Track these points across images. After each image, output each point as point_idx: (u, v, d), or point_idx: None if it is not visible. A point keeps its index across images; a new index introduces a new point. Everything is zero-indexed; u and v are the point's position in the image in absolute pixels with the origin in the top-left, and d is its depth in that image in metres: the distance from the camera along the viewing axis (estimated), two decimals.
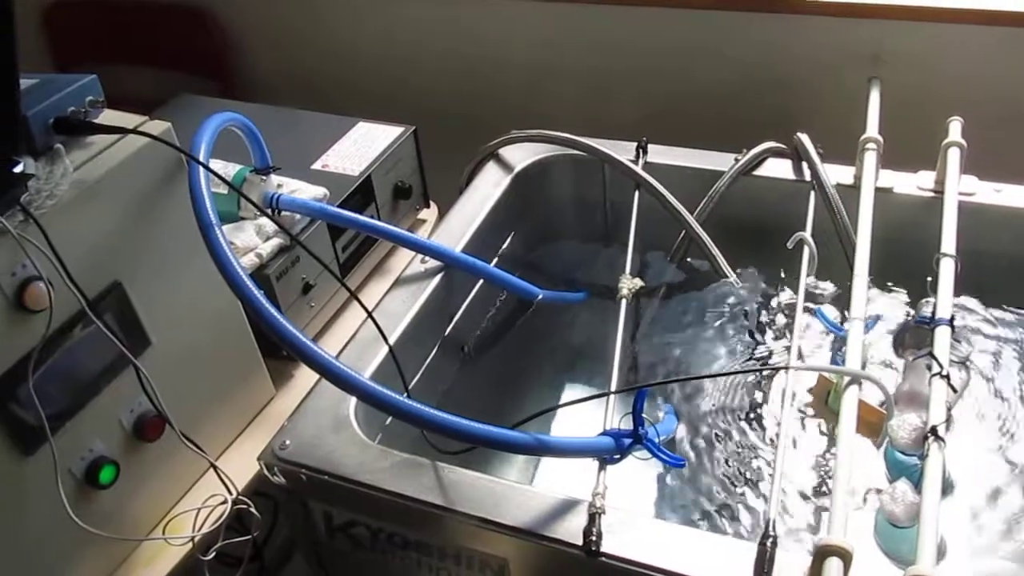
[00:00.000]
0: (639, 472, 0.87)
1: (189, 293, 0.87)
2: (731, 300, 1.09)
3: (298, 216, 1.01)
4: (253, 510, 0.84)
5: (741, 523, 0.87)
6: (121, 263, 0.79)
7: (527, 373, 1.11)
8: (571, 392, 1.07)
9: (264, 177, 0.99)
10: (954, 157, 1.01)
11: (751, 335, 1.06)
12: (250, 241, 0.98)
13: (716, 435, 0.94)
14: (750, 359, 1.03)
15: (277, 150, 1.01)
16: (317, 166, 1.14)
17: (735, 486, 0.90)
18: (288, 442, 0.82)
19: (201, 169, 0.79)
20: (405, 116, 1.23)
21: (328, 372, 0.69)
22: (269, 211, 0.98)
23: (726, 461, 0.92)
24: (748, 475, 0.90)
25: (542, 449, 0.73)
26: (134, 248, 0.80)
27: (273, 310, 0.71)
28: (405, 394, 0.82)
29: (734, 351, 1.05)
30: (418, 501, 0.75)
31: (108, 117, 0.79)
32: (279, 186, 1.02)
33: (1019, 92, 1.23)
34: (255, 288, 0.72)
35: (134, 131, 0.78)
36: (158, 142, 0.79)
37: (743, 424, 0.95)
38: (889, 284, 1.07)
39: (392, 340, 0.92)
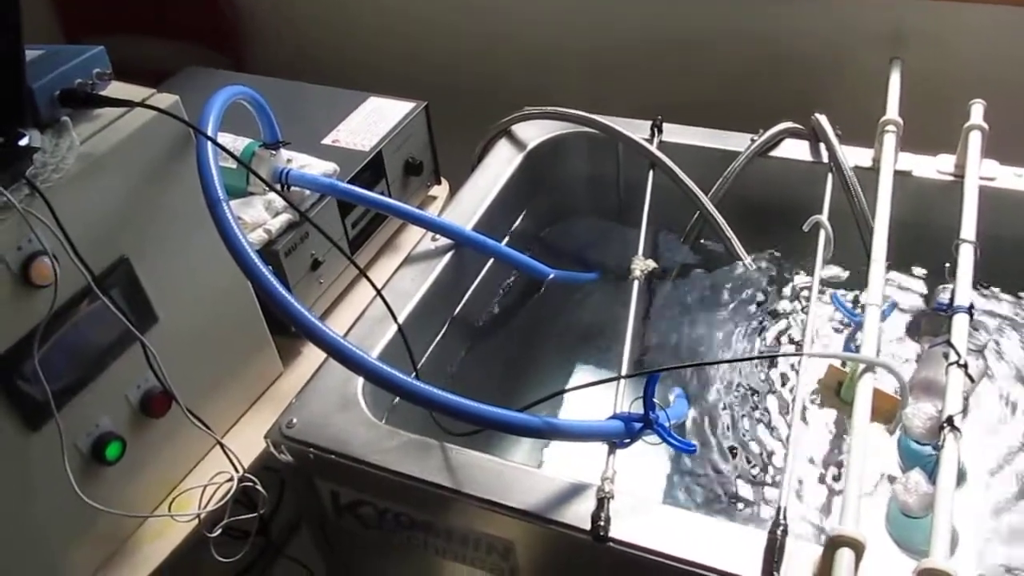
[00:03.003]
0: (649, 457, 0.86)
1: (197, 269, 0.86)
2: (745, 283, 1.07)
3: (307, 192, 1.00)
4: (259, 487, 0.84)
5: (752, 511, 0.86)
6: (128, 238, 0.78)
7: (537, 354, 1.09)
8: (581, 374, 1.05)
9: (274, 152, 0.98)
10: (975, 140, 0.99)
11: (764, 318, 1.04)
12: (259, 216, 0.97)
13: (728, 421, 0.93)
14: (763, 344, 1.02)
15: (287, 125, 1.00)
16: (327, 141, 1.13)
17: (746, 473, 0.89)
18: (295, 420, 0.81)
19: (209, 143, 0.78)
20: (418, 93, 1.22)
21: (335, 351, 0.68)
22: (278, 186, 0.97)
23: (737, 448, 0.91)
24: (760, 462, 0.89)
25: (551, 432, 0.72)
26: (141, 223, 0.80)
27: (279, 286, 0.70)
28: (414, 374, 0.82)
29: (747, 335, 1.03)
30: (425, 482, 0.75)
31: (115, 90, 0.78)
32: (289, 161, 1.00)
33: None
34: (262, 264, 0.71)
35: (142, 104, 0.77)
36: (166, 115, 0.78)
37: (755, 411, 0.94)
38: (907, 270, 1.06)
39: (401, 319, 0.90)
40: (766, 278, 1.07)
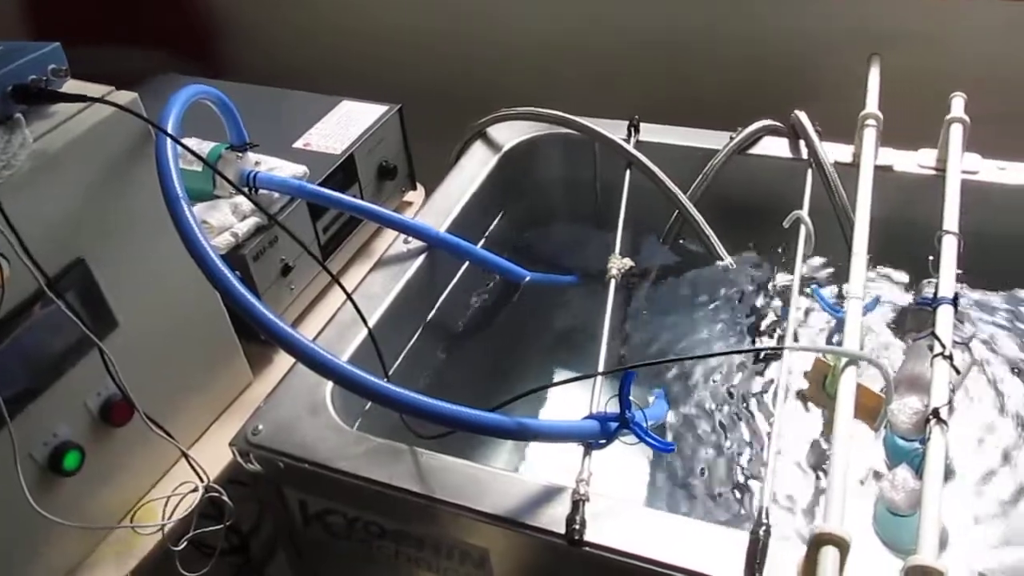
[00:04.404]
0: (629, 458, 0.84)
1: (159, 272, 0.83)
2: (726, 282, 1.05)
3: (276, 195, 0.98)
4: (225, 498, 0.81)
5: (735, 511, 0.83)
6: (85, 239, 0.75)
7: (516, 358, 1.07)
8: (561, 376, 1.02)
9: (240, 154, 0.96)
10: (956, 133, 0.98)
11: (746, 318, 1.02)
12: (225, 220, 0.94)
13: (709, 421, 0.91)
14: (745, 342, 0.99)
15: (258, 129, 0.98)
16: (298, 145, 1.10)
17: (729, 473, 0.86)
18: (261, 427, 0.79)
19: (169, 141, 0.76)
20: (396, 98, 1.19)
21: (293, 348, 0.65)
22: (246, 189, 0.95)
23: (720, 447, 0.88)
24: (742, 462, 0.87)
25: (524, 433, 0.70)
26: (99, 224, 0.77)
27: (238, 283, 0.67)
28: (385, 378, 0.79)
29: (728, 334, 1.01)
30: (394, 488, 0.72)
31: (73, 87, 0.75)
32: (257, 164, 0.98)
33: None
34: (220, 261, 0.69)
35: (99, 100, 0.74)
36: (124, 113, 0.75)
37: (737, 409, 0.92)
38: (890, 267, 1.04)
39: (372, 322, 0.88)
40: (747, 276, 1.05)
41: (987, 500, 0.80)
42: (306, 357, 0.65)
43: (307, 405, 0.80)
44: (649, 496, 0.86)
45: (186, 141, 0.97)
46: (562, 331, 1.08)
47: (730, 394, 0.94)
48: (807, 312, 1.00)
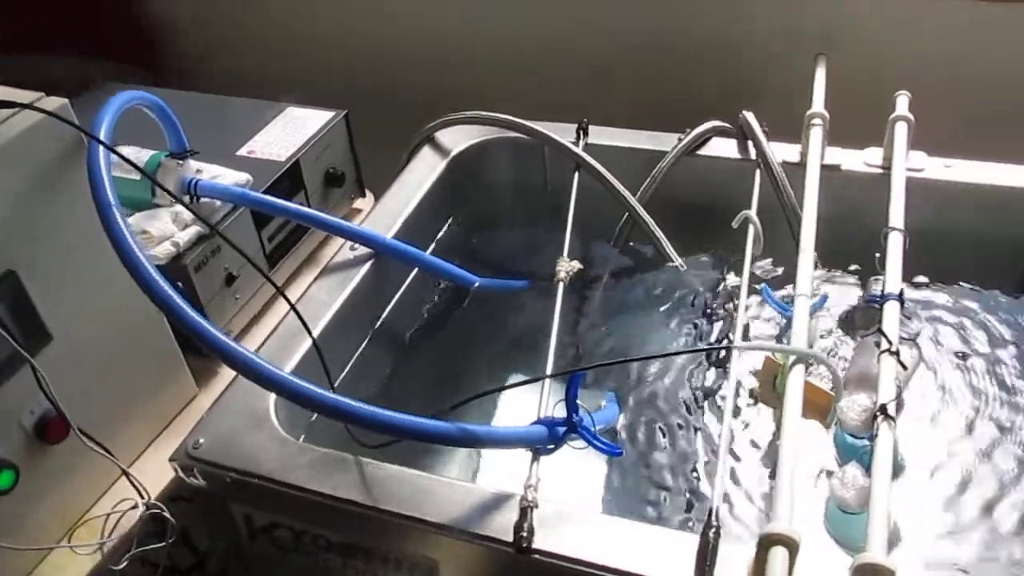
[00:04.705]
0: (584, 463, 0.83)
1: (96, 283, 0.81)
2: (678, 284, 1.05)
3: (219, 203, 0.96)
4: (167, 514, 0.78)
5: (688, 514, 0.83)
6: (15, 250, 0.73)
7: (469, 364, 1.06)
8: (513, 382, 1.02)
9: (181, 162, 0.93)
10: (901, 131, 0.98)
11: (698, 319, 1.02)
12: (166, 229, 0.92)
13: (662, 423, 0.90)
14: (698, 344, 0.99)
15: (202, 137, 0.96)
16: (242, 152, 1.08)
17: (681, 475, 0.86)
18: (202, 441, 0.77)
19: (101, 148, 0.74)
20: (344, 104, 1.18)
21: (227, 355, 0.63)
22: (187, 197, 0.93)
23: (673, 449, 0.88)
24: (696, 464, 0.86)
25: (469, 440, 0.68)
26: (31, 234, 0.74)
27: (172, 291, 0.65)
28: (329, 387, 0.77)
29: (681, 336, 1.00)
30: (338, 499, 0.70)
31: (1, 94, 0.73)
32: (198, 171, 0.96)
33: (969, 68, 1.20)
34: (153, 269, 0.67)
35: (27, 106, 0.72)
36: (56, 120, 0.73)
37: (691, 411, 0.91)
38: (841, 265, 1.04)
39: (318, 331, 0.87)
40: (699, 278, 1.05)
41: (937, 494, 0.80)
42: (241, 366, 0.64)
43: (250, 417, 0.79)
44: (603, 501, 0.85)
45: (126, 149, 0.96)
46: (514, 336, 1.07)
47: (682, 395, 0.93)
48: (761, 312, 1.00)
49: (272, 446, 0.76)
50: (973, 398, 0.88)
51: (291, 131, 1.12)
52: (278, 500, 0.74)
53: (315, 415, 0.83)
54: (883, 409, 0.68)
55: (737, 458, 0.86)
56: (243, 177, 0.98)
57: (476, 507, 0.69)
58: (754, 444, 0.87)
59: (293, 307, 0.81)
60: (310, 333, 0.80)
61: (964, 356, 0.93)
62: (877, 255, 0.87)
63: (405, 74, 1.48)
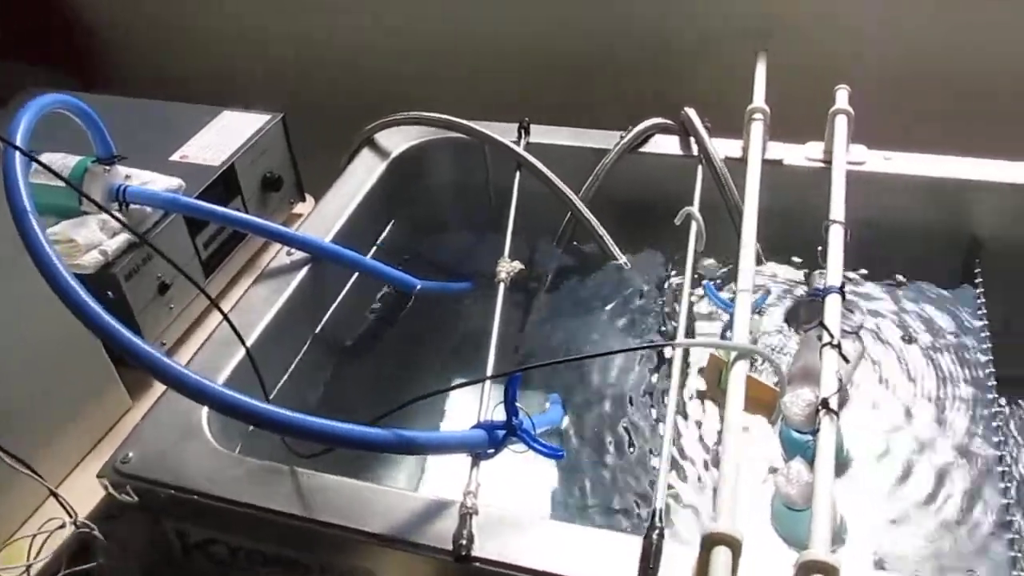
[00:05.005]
0: (530, 467, 0.81)
1: (19, 296, 0.78)
2: (622, 283, 1.04)
3: (150, 210, 0.93)
4: (97, 533, 0.75)
5: (636, 516, 0.81)
6: None
7: (413, 369, 1.03)
8: None
9: (108, 168, 0.90)
10: (841, 124, 0.98)
11: (644, 317, 1.01)
12: (93, 237, 0.89)
13: (608, 424, 0.89)
14: (643, 342, 0.98)
15: (134, 142, 0.93)
16: (175, 157, 1.05)
17: (630, 476, 0.85)
18: (131, 455, 0.74)
19: (18, 154, 0.71)
20: (284, 108, 1.15)
21: (150, 364, 0.61)
22: (116, 204, 0.90)
23: (620, 450, 0.87)
24: (641, 464, 0.85)
25: (407, 446, 0.66)
26: None
27: (90, 299, 0.63)
28: (263, 396, 0.75)
29: (627, 334, 0.99)
30: (272, 511, 0.68)
31: None
32: (127, 177, 0.93)
33: (910, 61, 1.20)
34: (70, 276, 0.64)
35: None
36: None
37: (638, 411, 0.90)
38: (786, 260, 1.04)
39: (253, 338, 0.84)
40: (644, 276, 1.04)
41: (883, 486, 0.80)
42: (163, 374, 0.61)
43: (181, 429, 0.76)
44: (550, 505, 0.84)
45: (52, 155, 0.92)
46: (459, 339, 1.05)
47: (630, 396, 0.92)
48: (714, 310, 0.99)
49: (204, 459, 0.73)
50: (915, 389, 0.88)
51: (226, 135, 1.09)
52: (211, 515, 0.71)
53: (251, 426, 0.80)
54: (825, 403, 0.67)
55: (687, 457, 0.86)
56: (174, 182, 0.95)
57: (415, 515, 0.67)
58: (703, 443, 0.86)
59: (225, 316, 0.78)
60: (243, 342, 0.78)
61: (907, 343, 0.93)
62: (820, 248, 0.86)
63: (344, 76, 1.46)
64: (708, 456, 0.85)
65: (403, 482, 0.87)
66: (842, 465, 0.80)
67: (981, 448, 0.82)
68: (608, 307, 1.02)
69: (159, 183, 0.95)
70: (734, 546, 0.58)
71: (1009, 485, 0.79)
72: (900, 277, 1.01)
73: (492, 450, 0.69)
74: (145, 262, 0.92)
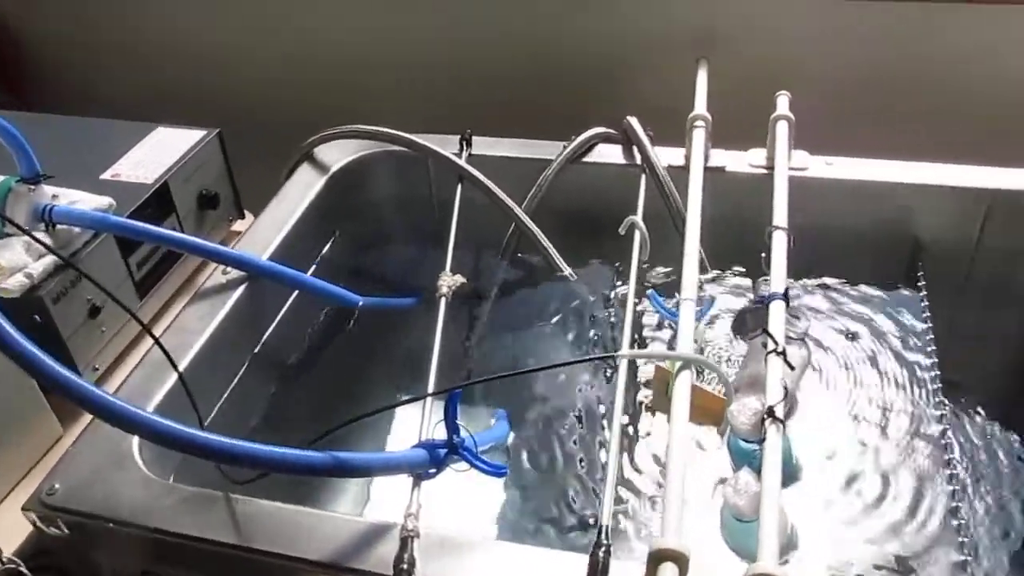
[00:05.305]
0: (476, 486, 0.79)
1: None
2: (568, 294, 1.02)
3: (78, 230, 0.90)
4: (24, 570, 0.72)
5: (587, 533, 0.80)
6: None
7: (358, 388, 1.01)
8: None
9: (33, 187, 0.87)
10: (783, 131, 0.98)
11: (590, 329, 1.00)
12: (18, 259, 0.85)
13: (556, 439, 0.88)
14: (585, 354, 0.97)
15: (63, 161, 0.91)
16: (106, 176, 1.02)
17: (580, 492, 0.83)
18: (57, 486, 0.71)
19: None
20: (222, 124, 1.12)
21: (67, 389, 0.57)
22: (42, 224, 0.87)
23: (567, 465, 0.85)
24: (592, 480, 0.84)
25: (343, 469, 0.64)
26: None
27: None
28: (199, 422, 0.72)
29: (574, 348, 0.98)
30: (205, 540, 0.65)
31: None
32: (55, 197, 0.90)
33: (851, 67, 1.21)
34: None
35: None
36: None
37: (585, 424, 0.89)
38: (733, 268, 1.03)
39: (187, 360, 0.81)
40: (589, 287, 1.03)
41: (832, 493, 0.79)
42: (79, 398, 0.58)
43: (111, 457, 0.73)
44: (497, 525, 0.82)
45: None
46: (405, 356, 1.03)
47: (578, 410, 0.91)
48: (663, 320, 0.98)
49: (136, 488, 0.70)
50: (860, 393, 0.88)
51: (160, 152, 1.06)
52: (144, 546, 0.68)
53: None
54: (771, 411, 0.66)
55: (639, 471, 0.84)
56: (104, 201, 0.92)
57: (355, 540, 0.64)
58: (655, 456, 0.85)
59: (156, 340, 0.75)
60: (174, 365, 0.75)
61: (853, 348, 0.93)
62: (763, 255, 0.86)
63: (283, 90, 1.44)
64: (660, 468, 0.83)
65: (349, 506, 0.85)
66: (792, 473, 0.79)
67: (928, 450, 0.82)
68: (554, 319, 1.01)
69: (88, 202, 0.91)
70: (681, 562, 0.57)
71: (956, 487, 0.78)
72: (844, 281, 1.01)
73: (433, 470, 0.67)
74: (74, 284, 0.88)
